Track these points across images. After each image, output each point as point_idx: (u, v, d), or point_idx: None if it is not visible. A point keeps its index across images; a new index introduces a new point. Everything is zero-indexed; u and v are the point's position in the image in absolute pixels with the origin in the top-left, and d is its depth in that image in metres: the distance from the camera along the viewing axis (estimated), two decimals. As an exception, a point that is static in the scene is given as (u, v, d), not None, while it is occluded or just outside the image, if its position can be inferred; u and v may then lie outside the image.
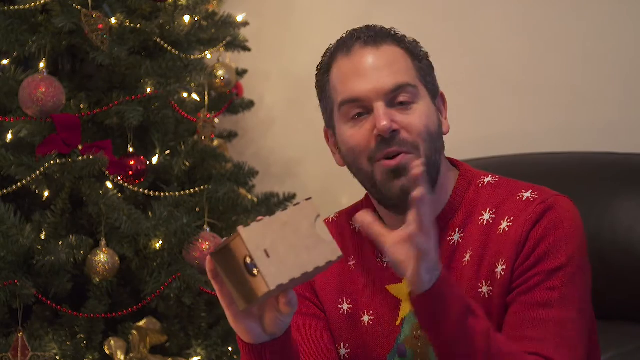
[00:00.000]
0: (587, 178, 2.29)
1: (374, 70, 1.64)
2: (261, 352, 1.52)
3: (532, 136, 2.75)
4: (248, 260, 1.43)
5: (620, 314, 2.19)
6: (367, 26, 1.71)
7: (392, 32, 1.71)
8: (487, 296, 1.62)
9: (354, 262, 1.76)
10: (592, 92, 2.67)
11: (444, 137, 1.73)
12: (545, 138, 2.71)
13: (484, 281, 1.62)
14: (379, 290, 1.72)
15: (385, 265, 1.71)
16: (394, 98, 1.63)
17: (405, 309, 1.69)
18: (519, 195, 1.65)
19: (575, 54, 2.70)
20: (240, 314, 1.49)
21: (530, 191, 1.66)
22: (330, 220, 1.83)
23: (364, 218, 1.49)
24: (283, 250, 1.42)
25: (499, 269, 1.61)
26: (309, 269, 1.43)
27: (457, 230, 1.67)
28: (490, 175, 1.72)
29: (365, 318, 1.72)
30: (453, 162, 1.76)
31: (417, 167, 1.44)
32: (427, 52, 1.73)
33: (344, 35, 1.70)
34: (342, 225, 1.80)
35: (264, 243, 1.41)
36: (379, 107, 1.62)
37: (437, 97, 1.72)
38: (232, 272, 1.46)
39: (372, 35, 1.67)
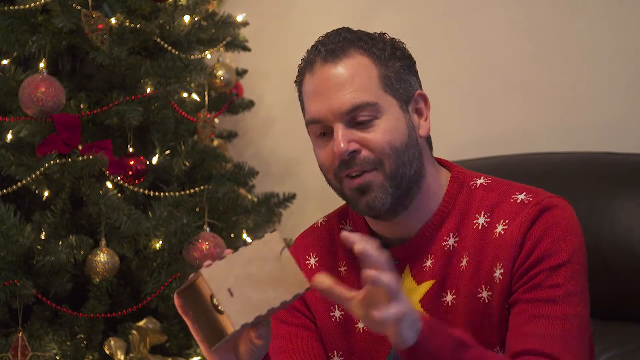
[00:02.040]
0: (587, 178, 2.29)
1: (332, 89, 1.62)
2: None
3: (532, 136, 2.75)
4: (215, 300, 1.43)
5: (620, 314, 2.19)
6: (336, 32, 1.68)
7: (361, 36, 1.66)
8: (486, 301, 1.62)
9: (345, 267, 1.75)
10: (592, 92, 2.67)
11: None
12: (545, 138, 2.71)
13: (483, 286, 1.62)
14: None
15: None
16: (353, 118, 1.62)
17: None
18: (513, 198, 1.64)
19: (576, 54, 2.70)
20: (216, 349, 1.48)
21: (525, 193, 1.65)
22: (319, 224, 1.82)
23: (322, 282, 1.44)
24: (248, 287, 1.41)
25: (497, 273, 1.61)
26: (275, 305, 1.42)
27: (451, 234, 1.66)
28: (482, 177, 1.71)
29: (360, 325, 1.71)
30: (443, 163, 1.74)
31: (345, 237, 1.40)
32: (403, 51, 1.69)
33: (313, 45, 1.68)
34: (332, 228, 1.79)
35: (227, 282, 1.41)
36: (337, 129, 1.62)
37: (410, 101, 1.67)
38: (201, 309, 1.46)
39: (332, 49, 1.64)
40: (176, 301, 1.48)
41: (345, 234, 1.41)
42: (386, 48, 1.66)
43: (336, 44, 1.64)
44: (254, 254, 1.45)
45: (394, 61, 1.66)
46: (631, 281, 2.15)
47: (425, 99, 1.70)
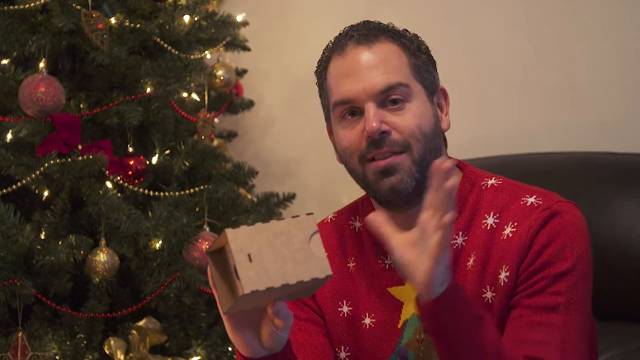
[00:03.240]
0: (587, 178, 2.29)
1: (365, 70, 1.64)
2: None
3: (532, 136, 2.75)
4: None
5: (620, 314, 2.19)
6: (364, 22, 1.71)
7: (389, 28, 1.70)
8: (490, 302, 1.62)
9: (354, 263, 1.75)
10: (592, 92, 2.67)
11: (448, 135, 1.72)
12: (545, 138, 2.71)
13: (488, 287, 1.62)
14: (380, 293, 1.71)
15: (386, 267, 1.71)
16: (386, 98, 1.63)
17: (408, 311, 1.68)
18: (523, 200, 1.64)
19: (576, 54, 2.70)
20: (239, 327, 1.48)
21: (535, 196, 1.64)
22: (329, 220, 1.82)
23: (376, 218, 1.48)
24: (268, 257, 1.39)
25: (502, 275, 1.61)
26: (290, 281, 1.39)
27: (460, 233, 1.66)
28: (494, 177, 1.71)
29: (367, 321, 1.72)
30: (456, 163, 1.74)
31: (442, 163, 1.42)
32: (427, 47, 1.72)
33: (341, 32, 1.70)
34: (342, 225, 1.79)
35: (249, 247, 1.39)
36: (369, 108, 1.62)
37: (435, 93, 1.70)
38: (224, 274, 1.44)
39: (365, 33, 1.66)
40: (209, 264, 1.46)
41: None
42: (413, 40, 1.70)
43: (369, 30, 1.67)
44: (284, 229, 1.42)
45: (420, 54, 1.69)
46: (631, 281, 2.15)
47: (446, 95, 1.73)
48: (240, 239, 1.39)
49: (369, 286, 1.72)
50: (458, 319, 1.47)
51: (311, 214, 1.46)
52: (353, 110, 1.65)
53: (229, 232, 1.40)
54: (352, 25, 1.71)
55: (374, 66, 1.64)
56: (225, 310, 1.44)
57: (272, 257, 1.39)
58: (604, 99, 2.65)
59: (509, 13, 2.81)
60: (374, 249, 1.72)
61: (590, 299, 1.63)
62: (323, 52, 1.71)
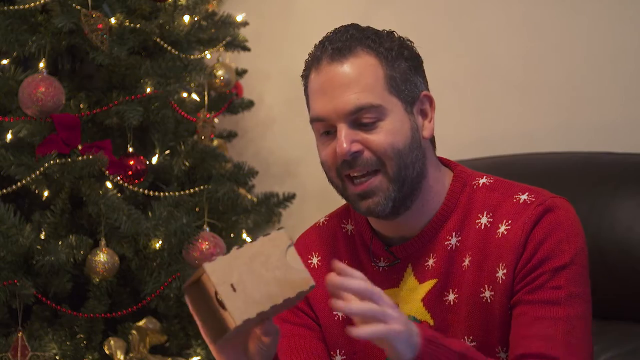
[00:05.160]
0: (587, 178, 2.29)
1: (337, 89, 1.61)
2: None
3: (532, 136, 2.74)
4: (218, 296, 1.42)
5: (620, 314, 2.19)
6: (343, 29, 1.67)
7: (368, 34, 1.66)
8: (489, 301, 1.62)
9: None
10: (592, 92, 2.67)
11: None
12: (545, 138, 2.71)
13: (485, 286, 1.62)
14: None
15: (379, 269, 1.71)
16: (357, 119, 1.61)
17: (404, 313, 1.68)
18: (515, 198, 1.64)
19: (576, 54, 2.70)
20: (223, 346, 1.49)
21: (527, 193, 1.64)
22: (321, 224, 1.82)
23: (335, 306, 1.43)
24: (250, 283, 1.40)
25: (500, 273, 1.61)
26: (278, 302, 1.41)
27: (453, 233, 1.66)
28: (485, 176, 1.71)
29: None
30: (446, 163, 1.74)
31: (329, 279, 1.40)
32: (411, 50, 1.68)
33: (320, 41, 1.67)
34: (334, 228, 1.79)
35: (231, 277, 1.40)
36: (341, 129, 1.62)
37: (415, 102, 1.67)
38: (207, 305, 1.45)
39: (339, 47, 1.63)
40: (186, 297, 1.47)
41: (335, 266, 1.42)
42: (393, 47, 1.66)
43: (343, 42, 1.63)
44: (259, 249, 1.43)
45: (400, 61, 1.65)
46: (631, 281, 2.15)
47: (430, 100, 1.70)
48: (219, 271, 1.40)
49: None
50: None
51: (282, 228, 1.48)
52: (327, 128, 1.64)
53: (207, 265, 1.40)
54: (329, 33, 1.67)
55: (346, 85, 1.61)
56: (216, 341, 1.45)
57: (254, 282, 1.41)
58: (604, 99, 2.65)
59: (509, 13, 2.81)
60: (367, 252, 1.72)
61: (589, 291, 1.63)
62: (306, 59, 1.70)
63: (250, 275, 1.41)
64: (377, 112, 1.61)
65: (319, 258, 1.77)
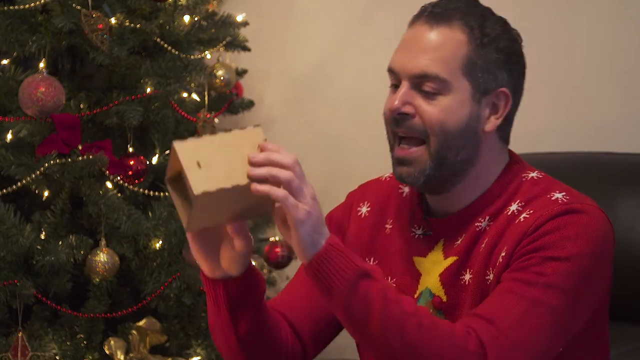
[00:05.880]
0: (587, 178, 2.28)
1: (416, 49, 1.63)
2: (214, 287, 1.56)
3: (532, 136, 2.74)
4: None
5: (620, 314, 2.19)
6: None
7: (471, 13, 1.65)
8: (488, 283, 1.60)
9: (391, 226, 1.74)
10: (592, 92, 2.67)
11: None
12: (545, 138, 2.71)
13: (490, 268, 1.60)
14: (407, 260, 1.70)
15: (416, 237, 1.71)
16: (420, 83, 1.62)
17: (424, 283, 1.67)
18: (550, 194, 1.62)
19: (576, 54, 2.70)
20: (204, 248, 1.51)
21: (564, 193, 1.62)
22: (383, 179, 1.82)
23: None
24: (217, 164, 1.40)
25: (500, 256, 1.59)
26: (241, 182, 1.40)
27: (487, 218, 1.65)
28: (536, 171, 1.70)
29: (389, 281, 1.70)
30: (515, 159, 1.73)
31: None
32: (511, 48, 1.70)
33: (427, 4, 1.69)
34: (393, 187, 1.79)
35: (198, 155, 1.39)
36: (402, 86, 1.63)
37: (488, 94, 1.66)
38: (185, 193, 1.43)
39: (439, 12, 1.64)
40: (169, 188, 1.47)
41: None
42: (491, 34, 1.66)
43: (445, 10, 1.65)
44: (232, 139, 1.43)
45: (491, 50, 1.66)
46: (631, 281, 2.15)
47: (507, 98, 1.70)
48: (189, 150, 1.40)
49: (399, 251, 1.71)
50: (338, 276, 1.47)
51: (258, 125, 1.49)
52: (395, 80, 1.66)
53: (177, 143, 1.40)
54: None
55: (425, 49, 1.62)
56: (186, 225, 1.44)
57: (222, 163, 1.40)
58: (604, 99, 2.65)
59: (508, 13, 2.79)
60: (409, 218, 1.73)
61: (583, 302, 1.58)
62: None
63: (217, 158, 1.40)
64: (440, 85, 1.62)
65: (369, 209, 1.77)
